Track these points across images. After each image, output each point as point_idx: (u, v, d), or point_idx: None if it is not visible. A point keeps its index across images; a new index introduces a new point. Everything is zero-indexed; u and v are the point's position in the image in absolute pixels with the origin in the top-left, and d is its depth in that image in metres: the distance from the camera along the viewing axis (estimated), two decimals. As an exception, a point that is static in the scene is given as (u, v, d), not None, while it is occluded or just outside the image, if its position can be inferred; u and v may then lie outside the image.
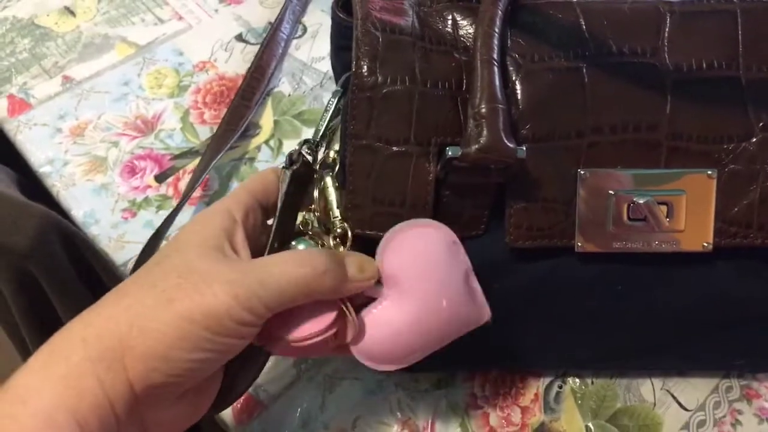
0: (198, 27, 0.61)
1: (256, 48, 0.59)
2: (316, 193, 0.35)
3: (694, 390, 0.43)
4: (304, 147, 0.35)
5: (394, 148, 0.33)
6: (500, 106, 0.31)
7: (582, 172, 0.33)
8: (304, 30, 0.62)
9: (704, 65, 0.33)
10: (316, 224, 0.34)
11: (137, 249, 0.48)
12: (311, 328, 0.30)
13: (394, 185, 0.33)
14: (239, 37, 0.61)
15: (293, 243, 0.34)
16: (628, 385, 0.43)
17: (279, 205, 0.33)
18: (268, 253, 0.32)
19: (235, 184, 0.52)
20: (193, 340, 0.27)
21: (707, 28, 0.34)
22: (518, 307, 0.37)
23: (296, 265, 0.29)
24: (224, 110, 0.55)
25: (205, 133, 0.54)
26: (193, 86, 0.57)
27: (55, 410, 0.25)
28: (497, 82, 0.32)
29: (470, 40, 0.34)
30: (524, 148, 0.31)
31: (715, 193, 0.33)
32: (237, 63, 0.59)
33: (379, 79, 0.33)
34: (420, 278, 0.31)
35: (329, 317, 0.30)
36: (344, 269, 0.30)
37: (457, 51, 0.34)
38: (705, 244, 0.34)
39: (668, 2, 0.34)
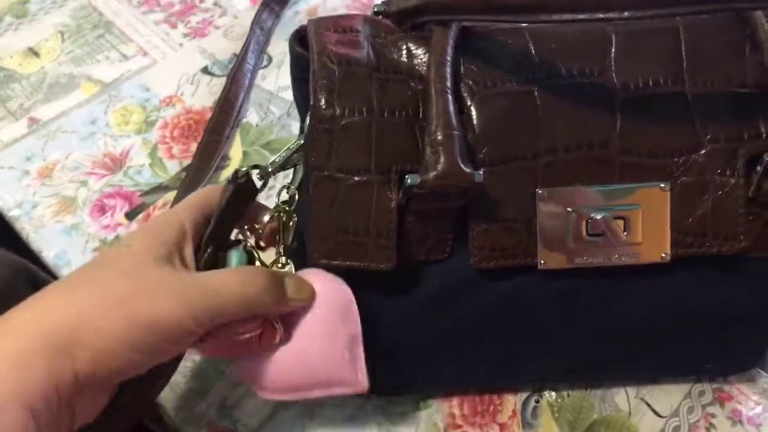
0: (163, 62, 0.61)
1: (223, 80, 0.60)
2: (266, 219, 0.37)
3: (668, 396, 0.44)
4: (255, 171, 0.36)
5: (356, 178, 0.33)
6: (455, 132, 0.32)
7: (540, 192, 0.34)
8: (270, 60, 0.63)
9: (650, 82, 0.34)
10: (252, 243, 0.36)
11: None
12: (239, 329, 0.33)
13: (357, 214, 0.33)
14: (205, 70, 0.61)
15: (229, 252, 0.36)
16: (603, 396, 0.44)
17: (216, 214, 0.35)
18: (199, 260, 0.34)
19: (205, 218, 0.52)
20: (139, 342, 0.29)
21: (652, 46, 0.35)
22: (488, 327, 0.37)
23: (240, 284, 0.32)
24: (193, 144, 0.56)
25: (174, 167, 0.55)
26: (161, 121, 0.57)
27: (4, 395, 0.26)
28: (451, 110, 0.33)
29: (425, 68, 0.34)
30: (481, 172, 0.32)
31: (669, 205, 0.34)
32: (203, 96, 0.59)
33: (337, 111, 0.33)
34: (309, 321, 0.34)
35: (256, 321, 0.33)
36: (284, 289, 0.33)
37: (413, 80, 0.35)
38: (663, 255, 0.34)
39: (613, 24, 0.35)
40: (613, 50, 0.35)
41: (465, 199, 0.33)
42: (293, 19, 0.65)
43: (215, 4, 0.66)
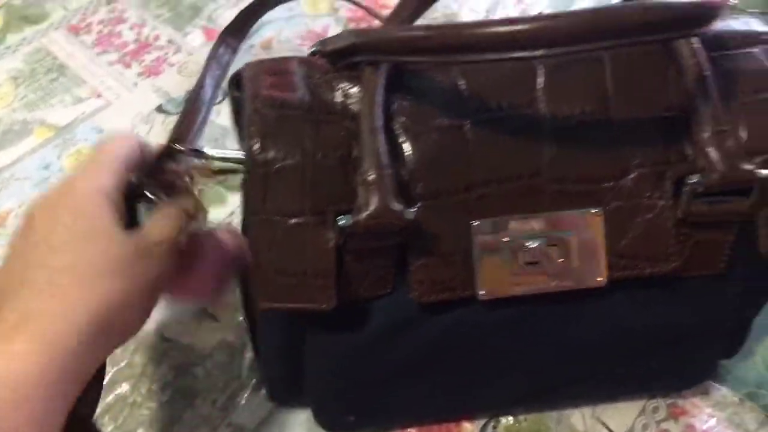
0: (117, 102, 0.62)
1: (176, 117, 0.60)
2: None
3: (622, 415, 0.44)
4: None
5: (292, 221, 0.34)
6: (387, 171, 0.33)
7: (475, 224, 0.35)
8: (225, 95, 0.63)
9: (577, 111, 0.35)
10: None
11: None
12: None
13: (296, 256, 0.34)
14: (159, 109, 0.62)
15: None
16: (559, 418, 0.44)
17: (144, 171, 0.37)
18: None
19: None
20: None
21: (578, 76, 0.36)
22: (436, 359, 0.38)
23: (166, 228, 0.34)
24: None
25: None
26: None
27: None
28: (382, 149, 0.33)
29: (358, 108, 0.35)
30: (413, 210, 0.33)
31: (602, 230, 0.35)
32: (158, 135, 0.59)
33: (271, 155, 0.34)
34: None
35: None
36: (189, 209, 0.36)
37: (347, 119, 0.35)
38: (599, 279, 0.35)
39: (540, 57, 0.36)
40: (540, 82, 0.36)
41: (401, 236, 0.34)
42: (248, 52, 0.66)
43: (169, 41, 0.67)
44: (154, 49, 0.66)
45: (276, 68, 0.37)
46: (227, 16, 0.66)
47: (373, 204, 0.32)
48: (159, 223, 0.34)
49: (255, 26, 0.65)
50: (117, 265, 0.31)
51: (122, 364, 0.47)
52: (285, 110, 0.35)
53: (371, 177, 0.33)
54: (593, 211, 0.35)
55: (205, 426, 0.45)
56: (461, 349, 0.37)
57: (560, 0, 0.69)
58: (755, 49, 0.36)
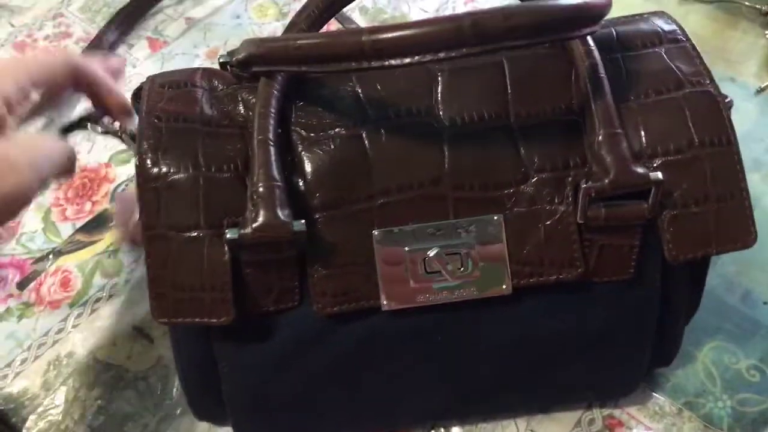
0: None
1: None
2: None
3: (558, 426, 0.43)
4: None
5: (186, 235, 0.33)
6: (276, 184, 0.32)
7: (376, 233, 0.34)
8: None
9: (476, 117, 0.35)
10: None
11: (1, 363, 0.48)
12: None
13: (191, 270, 0.33)
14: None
15: None
16: (493, 429, 0.44)
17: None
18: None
19: (98, 280, 0.52)
20: None
21: (477, 81, 0.35)
22: (351, 372, 0.37)
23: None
24: (87, 203, 0.56)
25: (67, 230, 0.54)
26: (54, 183, 0.57)
27: None
28: (273, 161, 0.33)
29: (256, 120, 0.35)
30: (302, 222, 0.32)
31: (504, 237, 0.34)
32: (99, 151, 0.59)
33: (163, 169, 0.33)
34: None
35: None
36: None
37: (246, 130, 0.35)
38: (504, 287, 0.34)
39: (438, 63, 0.36)
40: (439, 88, 0.35)
41: (295, 248, 0.33)
42: (193, 62, 0.65)
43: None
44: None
45: (178, 81, 0.37)
46: (174, 27, 0.66)
47: (261, 217, 0.32)
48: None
49: (201, 34, 0.65)
50: None
51: (57, 389, 0.46)
52: (179, 123, 0.34)
53: (260, 189, 0.32)
54: (495, 217, 0.34)
55: (133, 450, 0.44)
56: (375, 361, 0.37)
57: None
58: (659, 49, 0.36)
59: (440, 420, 0.44)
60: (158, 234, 0.33)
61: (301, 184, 0.34)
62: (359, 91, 0.35)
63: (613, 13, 0.33)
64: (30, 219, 0.55)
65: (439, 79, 0.35)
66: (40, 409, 0.46)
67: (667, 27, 0.37)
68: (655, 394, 0.44)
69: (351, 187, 0.34)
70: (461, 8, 0.67)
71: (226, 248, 0.33)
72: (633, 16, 0.38)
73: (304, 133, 0.35)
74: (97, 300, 0.51)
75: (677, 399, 0.44)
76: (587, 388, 0.41)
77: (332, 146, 0.35)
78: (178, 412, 0.45)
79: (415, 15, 0.67)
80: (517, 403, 0.42)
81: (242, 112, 0.36)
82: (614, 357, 0.39)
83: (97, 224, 0.54)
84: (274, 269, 0.34)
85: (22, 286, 0.51)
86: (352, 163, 0.34)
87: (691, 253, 0.34)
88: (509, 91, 0.35)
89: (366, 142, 0.34)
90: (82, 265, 0.52)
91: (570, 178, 0.34)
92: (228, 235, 0.32)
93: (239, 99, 0.36)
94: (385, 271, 0.34)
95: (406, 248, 0.34)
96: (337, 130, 0.35)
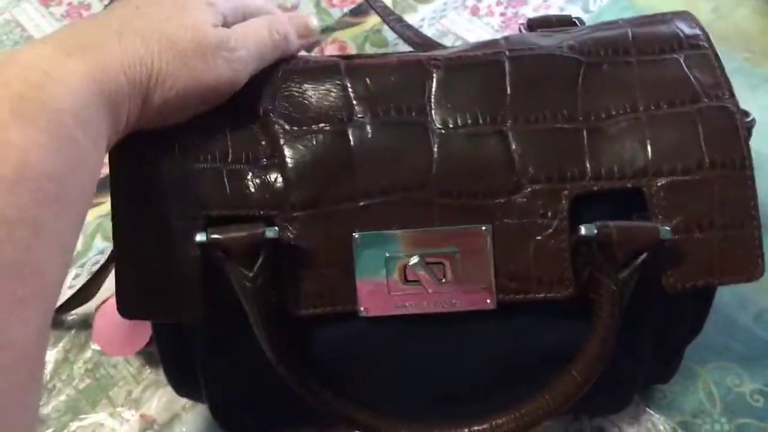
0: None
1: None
2: None
3: (544, 435, 0.42)
4: None
5: (159, 226, 0.32)
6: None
7: (356, 236, 0.33)
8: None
9: (469, 120, 0.32)
10: None
11: None
12: None
13: (162, 265, 0.32)
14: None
15: None
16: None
17: None
18: None
19: (99, 242, 0.52)
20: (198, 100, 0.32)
21: (474, 81, 0.33)
22: (326, 375, 0.36)
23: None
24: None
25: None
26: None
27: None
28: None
29: (244, 107, 0.33)
30: (276, 229, 0.31)
31: (491, 248, 0.32)
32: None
33: (138, 158, 0.32)
34: None
35: None
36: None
37: (228, 119, 0.33)
38: (488, 302, 0.33)
39: (435, 57, 0.34)
40: (433, 86, 0.33)
41: (269, 250, 0.32)
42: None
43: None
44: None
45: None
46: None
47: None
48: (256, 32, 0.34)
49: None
50: (191, 53, 0.31)
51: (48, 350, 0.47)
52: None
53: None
54: (483, 228, 0.32)
55: (116, 417, 0.44)
56: (351, 367, 0.35)
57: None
58: (678, 55, 0.33)
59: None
60: (131, 227, 0.32)
61: (280, 179, 0.33)
62: (348, 84, 0.33)
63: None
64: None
65: (434, 75, 0.33)
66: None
67: (689, 31, 0.33)
68: (649, 409, 0.42)
69: (332, 186, 0.33)
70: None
71: (197, 245, 0.32)
72: (654, 15, 0.35)
73: (287, 126, 0.33)
74: (95, 263, 0.50)
75: (672, 417, 0.42)
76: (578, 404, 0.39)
77: (315, 142, 0.33)
78: (163, 382, 0.45)
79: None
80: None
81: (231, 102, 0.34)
82: (606, 376, 0.37)
83: (100, 187, 0.54)
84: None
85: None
86: (335, 161, 0.33)
87: (691, 282, 0.32)
88: (508, 93, 0.32)
89: (351, 139, 0.33)
90: (84, 226, 0.52)
91: (566, 192, 0.32)
92: (198, 238, 0.31)
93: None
94: (364, 275, 0.33)
95: (387, 254, 0.33)
96: (321, 125, 0.33)
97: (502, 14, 0.62)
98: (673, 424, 0.42)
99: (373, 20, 0.62)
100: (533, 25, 0.39)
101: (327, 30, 0.61)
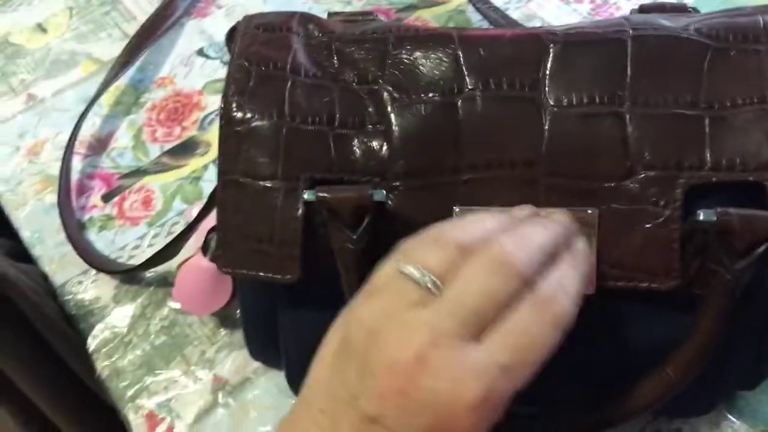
0: (162, 41, 0.61)
1: (216, 62, 0.59)
2: None
3: None
4: None
5: (261, 184, 0.32)
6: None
7: (457, 210, 0.32)
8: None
9: (585, 100, 0.31)
10: None
11: (77, 270, 0.49)
12: None
13: (263, 222, 0.32)
14: (200, 52, 0.61)
15: None
16: None
17: None
18: None
19: (178, 204, 0.52)
20: None
21: (594, 58, 0.32)
22: None
23: None
24: (177, 128, 0.56)
25: (155, 151, 0.55)
26: (149, 103, 0.58)
27: None
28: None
29: (350, 75, 0.33)
30: (383, 192, 0.30)
31: (596, 233, 0.31)
32: (195, 78, 0.59)
33: (247, 114, 0.32)
34: None
35: None
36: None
37: (337, 84, 0.33)
38: (588, 288, 0.32)
39: (553, 32, 0.33)
40: (549, 61, 0.32)
41: (371, 214, 0.31)
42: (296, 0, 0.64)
43: (222, -17, 0.65)
44: (206, -10, 0.65)
45: (274, 24, 0.35)
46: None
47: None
48: None
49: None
50: None
51: (126, 303, 0.48)
52: (269, 70, 0.33)
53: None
54: (589, 211, 0.31)
55: (190, 375, 0.45)
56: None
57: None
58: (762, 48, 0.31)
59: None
60: (233, 180, 0.33)
61: (385, 147, 0.32)
62: (460, 54, 0.33)
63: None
64: (122, 135, 0.56)
65: (551, 50, 0.32)
66: (107, 319, 0.47)
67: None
68: (730, 416, 0.41)
69: (437, 158, 0.32)
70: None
71: (301, 204, 0.32)
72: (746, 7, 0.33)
73: (395, 94, 0.33)
74: (175, 224, 0.51)
75: (755, 426, 0.40)
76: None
77: (423, 112, 0.32)
78: (237, 346, 0.46)
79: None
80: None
81: (336, 63, 0.34)
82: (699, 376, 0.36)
83: (183, 149, 0.55)
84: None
85: (107, 198, 0.53)
86: (441, 132, 0.32)
87: None
88: (628, 74, 0.31)
89: (460, 111, 0.32)
90: (164, 187, 0.53)
91: (682, 180, 0.31)
92: (305, 196, 0.31)
93: (333, 49, 0.34)
94: (460, 251, 0.32)
95: (487, 231, 0.32)
96: (430, 95, 0.32)
97: (592, 1, 0.60)
98: (755, 433, 0.40)
99: (458, 0, 0.61)
100: (646, 11, 0.38)
101: (410, 8, 0.61)
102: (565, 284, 0.26)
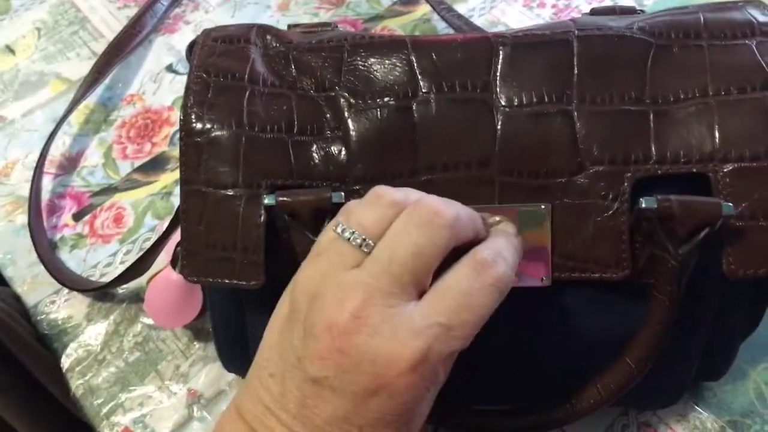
0: (130, 58, 0.62)
1: (185, 78, 0.60)
2: None
3: (589, 429, 0.42)
4: None
5: (223, 192, 0.33)
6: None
7: (415, 211, 0.33)
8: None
9: (535, 99, 0.32)
10: None
11: (49, 290, 0.49)
12: None
13: (225, 230, 0.33)
14: (169, 68, 0.62)
15: None
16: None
17: None
18: None
19: (149, 220, 0.52)
20: None
21: (541, 59, 0.33)
22: None
23: None
24: (147, 144, 0.57)
25: (125, 168, 0.55)
26: (119, 120, 0.58)
27: None
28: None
29: (307, 82, 0.34)
30: (342, 195, 0.31)
31: (549, 227, 0.32)
32: (164, 95, 0.59)
33: (207, 125, 0.33)
34: None
35: None
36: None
37: (294, 92, 0.34)
38: (543, 279, 0.33)
39: (502, 34, 0.34)
40: (499, 64, 0.33)
41: (332, 215, 0.32)
42: (264, 13, 0.64)
43: (189, -1, 0.66)
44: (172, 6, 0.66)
45: (232, 36, 0.36)
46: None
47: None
48: None
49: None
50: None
51: (99, 321, 0.48)
52: (227, 80, 0.34)
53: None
54: (542, 206, 0.32)
55: (164, 390, 0.45)
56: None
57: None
58: (750, 42, 0.32)
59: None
60: (195, 190, 0.33)
61: (343, 152, 0.33)
62: (413, 59, 0.34)
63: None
64: (92, 153, 0.56)
65: (501, 52, 0.33)
66: (81, 338, 0.47)
67: (762, 18, 0.33)
68: (698, 407, 0.42)
69: (395, 161, 0.33)
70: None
71: (262, 210, 0.33)
72: (726, 2, 0.34)
73: (352, 99, 0.33)
74: (146, 240, 0.51)
75: (721, 416, 0.41)
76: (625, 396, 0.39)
77: (379, 116, 0.33)
78: (211, 358, 0.46)
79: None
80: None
81: (293, 72, 0.35)
82: (657, 368, 0.36)
83: (154, 165, 0.55)
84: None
85: (77, 217, 0.53)
86: (398, 136, 0.33)
87: (753, 269, 0.31)
88: (575, 73, 0.32)
89: (415, 114, 0.33)
90: (135, 203, 0.53)
91: (629, 174, 0.32)
92: (265, 201, 0.31)
93: (290, 58, 0.35)
94: (421, 250, 0.33)
95: (445, 230, 0.33)
96: (386, 99, 0.33)
97: (554, 5, 0.62)
98: (721, 423, 0.41)
99: (423, 9, 0.62)
100: (597, 14, 0.39)
101: (376, 18, 0.62)
102: (504, 253, 0.27)
